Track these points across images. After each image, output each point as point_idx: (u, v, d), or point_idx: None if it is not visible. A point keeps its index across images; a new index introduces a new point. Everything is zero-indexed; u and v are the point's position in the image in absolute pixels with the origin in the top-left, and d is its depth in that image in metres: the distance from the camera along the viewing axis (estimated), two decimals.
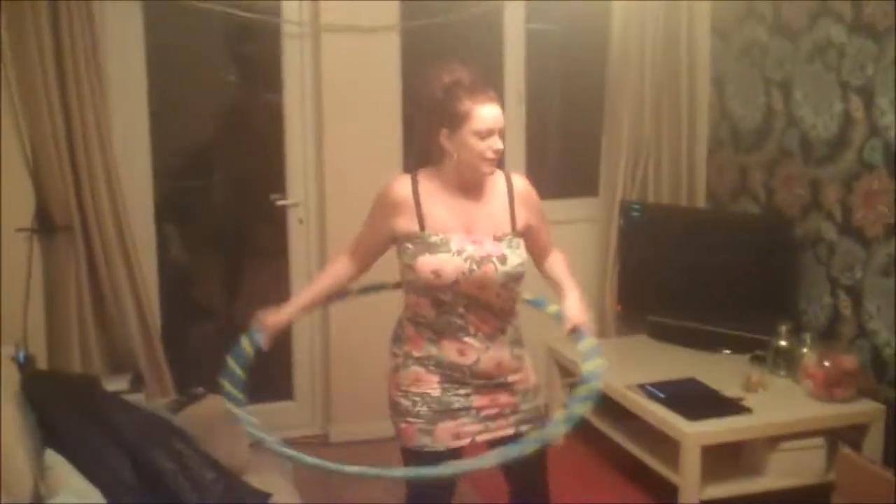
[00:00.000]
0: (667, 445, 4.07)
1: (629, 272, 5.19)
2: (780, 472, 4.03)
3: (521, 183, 3.23)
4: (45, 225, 4.33)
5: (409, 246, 3.00)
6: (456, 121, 2.94)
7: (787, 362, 4.41)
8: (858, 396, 4.15)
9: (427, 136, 3.04)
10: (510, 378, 3.11)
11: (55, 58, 4.18)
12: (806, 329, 4.56)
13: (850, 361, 4.14)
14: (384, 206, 3.07)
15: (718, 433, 3.98)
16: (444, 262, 2.94)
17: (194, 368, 5.00)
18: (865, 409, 4.12)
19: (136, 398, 4.19)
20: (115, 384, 4.28)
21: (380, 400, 3.26)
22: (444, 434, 3.03)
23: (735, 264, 4.86)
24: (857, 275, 4.34)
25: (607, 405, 4.56)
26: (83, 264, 4.39)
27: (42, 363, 4.24)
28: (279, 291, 5.05)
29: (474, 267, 2.95)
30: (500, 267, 2.98)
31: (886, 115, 4.12)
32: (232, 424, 3.35)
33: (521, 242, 3.10)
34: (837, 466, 3.88)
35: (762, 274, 4.74)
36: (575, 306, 3.06)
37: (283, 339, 5.04)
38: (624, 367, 4.67)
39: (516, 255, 3.04)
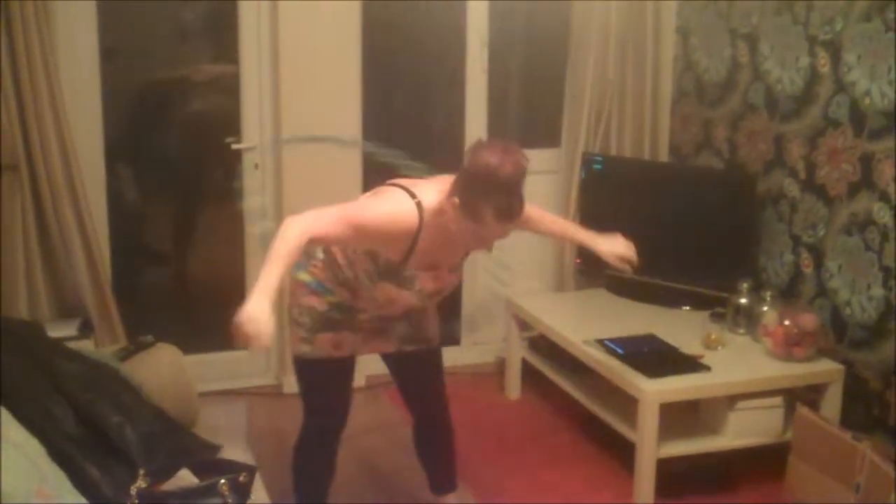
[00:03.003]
0: (624, 401, 4.04)
1: (589, 225, 5.09)
2: (738, 431, 4.01)
3: None
4: None
5: (378, 265, 3.04)
6: (477, 211, 2.85)
7: (747, 320, 4.38)
8: (817, 356, 4.13)
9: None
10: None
11: None
12: (766, 287, 4.53)
13: (809, 320, 4.11)
14: (385, 233, 2.97)
15: (677, 391, 3.94)
16: (401, 296, 3.10)
17: (145, 315, 4.93)
18: (824, 368, 4.10)
19: (85, 345, 4.11)
20: (63, 330, 4.20)
21: None
22: (324, 342, 3.20)
23: (696, 220, 4.82)
24: (819, 233, 4.31)
25: (564, 359, 4.53)
26: (29, 205, 4.28)
27: None
28: (233, 237, 4.97)
29: (425, 299, 3.18)
30: (444, 293, 3.22)
31: (853, 70, 4.07)
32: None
33: None
34: (795, 426, 3.89)
35: (724, 230, 4.70)
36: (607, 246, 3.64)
37: (236, 289, 5.00)
38: (582, 322, 4.64)
39: (460, 277, 3.29)
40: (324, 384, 3.32)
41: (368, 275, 3.07)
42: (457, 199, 2.86)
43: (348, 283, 3.16)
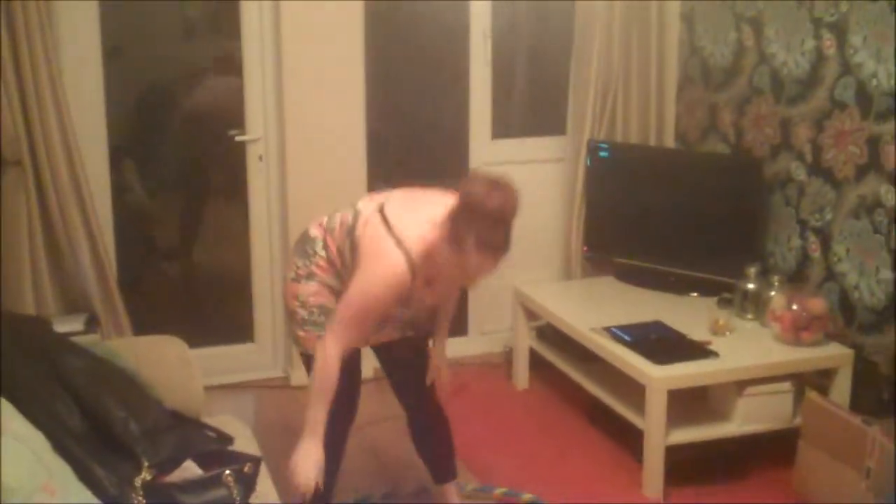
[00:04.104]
0: (632, 389, 4.02)
1: (596, 213, 5.12)
2: (747, 417, 3.99)
3: None
4: None
5: None
6: (461, 241, 2.89)
7: (755, 305, 4.36)
8: (826, 340, 4.11)
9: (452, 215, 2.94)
10: None
11: None
12: (774, 271, 4.51)
13: (818, 305, 4.09)
14: (388, 301, 3.02)
15: (685, 377, 3.93)
16: (384, 333, 3.27)
17: (151, 309, 4.93)
18: (833, 353, 4.08)
19: (91, 339, 4.10)
20: (70, 325, 4.19)
21: None
22: None
23: (703, 205, 4.79)
24: (826, 216, 4.28)
25: (572, 347, 4.52)
26: (34, 201, 4.27)
27: None
28: (238, 229, 4.96)
29: (406, 329, 3.33)
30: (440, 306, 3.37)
31: (859, 52, 4.04)
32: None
33: None
34: (804, 411, 3.88)
35: (731, 215, 4.67)
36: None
37: (243, 281, 5.00)
38: (589, 310, 4.62)
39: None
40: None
41: None
42: (445, 231, 2.89)
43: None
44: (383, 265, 2.96)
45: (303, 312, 3.22)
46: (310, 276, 3.20)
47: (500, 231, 2.87)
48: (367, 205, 3.12)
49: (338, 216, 3.20)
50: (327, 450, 3.15)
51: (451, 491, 3.65)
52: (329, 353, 2.97)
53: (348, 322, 2.99)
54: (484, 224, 2.83)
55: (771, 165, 4.60)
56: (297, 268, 3.23)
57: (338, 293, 3.14)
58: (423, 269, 2.98)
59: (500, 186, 2.89)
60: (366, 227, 3.04)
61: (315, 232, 3.24)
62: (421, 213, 3.01)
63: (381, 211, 3.04)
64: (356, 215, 3.11)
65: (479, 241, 2.84)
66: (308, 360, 3.22)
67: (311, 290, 3.20)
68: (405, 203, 3.10)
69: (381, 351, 3.46)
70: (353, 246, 3.07)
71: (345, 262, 3.13)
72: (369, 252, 3.01)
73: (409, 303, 3.14)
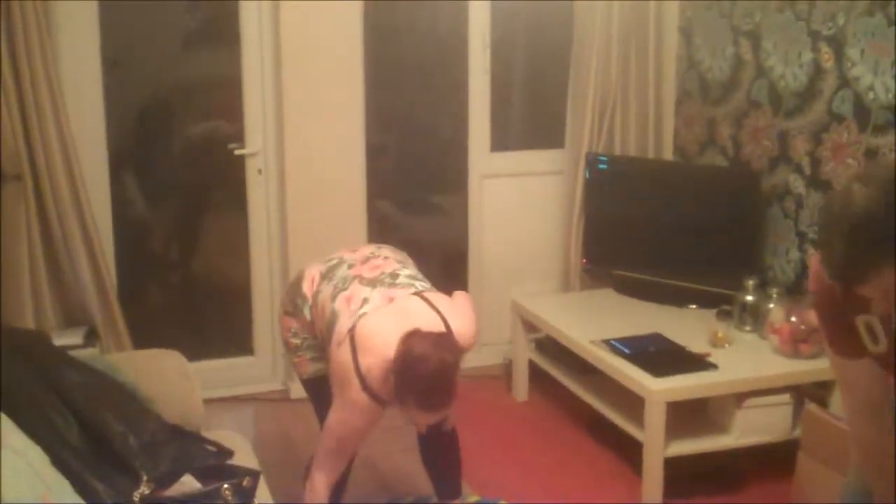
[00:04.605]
0: (631, 401, 4.02)
1: (595, 225, 5.13)
2: (746, 429, 3.99)
3: None
4: None
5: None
6: (401, 396, 2.90)
7: (754, 317, 4.36)
8: (825, 353, 4.10)
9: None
10: None
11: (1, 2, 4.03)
12: (772, 284, 4.52)
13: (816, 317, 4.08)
14: (364, 424, 3.07)
15: (684, 389, 3.92)
16: None
17: (151, 322, 4.94)
18: None
19: (90, 353, 4.11)
20: (69, 338, 4.22)
21: None
22: None
23: (702, 218, 4.80)
24: None
25: (571, 360, 4.52)
26: (34, 215, 4.28)
27: None
28: (238, 242, 4.96)
29: None
30: None
31: (857, 65, 4.05)
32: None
33: None
34: (804, 423, 3.87)
35: (729, 228, 4.68)
36: None
37: (243, 293, 5.00)
38: (588, 322, 4.61)
39: None
40: None
41: None
42: (391, 380, 2.89)
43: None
44: (352, 400, 2.97)
45: (296, 341, 3.31)
46: (300, 307, 3.27)
47: (438, 392, 2.88)
48: (344, 313, 3.06)
49: (323, 293, 3.18)
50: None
51: None
52: (317, 489, 3.09)
53: (331, 454, 3.12)
54: (421, 386, 2.85)
55: (769, 178, 4.61)
56: (290, 305, 3.33)
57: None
58: (382, 396, 2.97)
59: (440, 346, 2.87)
60: (338, 350, 3.00)
61: (306, 290, 3.26)
62: (392, 341, 2.92)
63: (352, 336, 2.98)
64: (333, 317, 3.08)
65: (418, 402, 2.87)
66: (308, 385, 3.36)
67: (301, 322, 3.28)
68: (382, 322, 3.00)
69: None
70: (330, 348, 3.08)
71: (324, 338, 3.16)
72: (339, 381, 3.02)
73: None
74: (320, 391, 3.25)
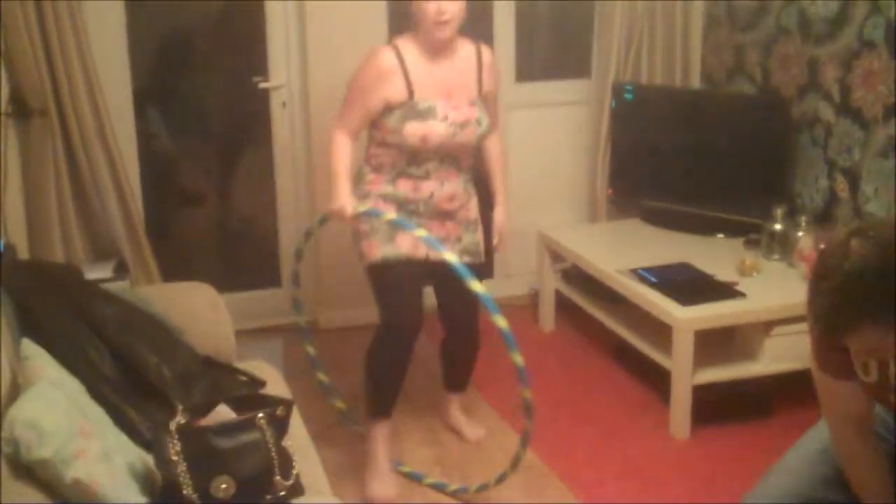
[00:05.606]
0: (659, 330, 4.03)
1: (621, 155, 5.10)
2: (774, 357, 3.99)
3: (487, 54, 3.58)
4: (19, 109, 4.19)
5: (397, 112, 3.36)
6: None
7: (782, 246, 4.35)
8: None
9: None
10: (457, 205, 3.55)
11: None
12: (801, 212, 4.49)
13: None
14: (374, 78, 3.38)
15: (711, 318, 3.93)
16: (432, 128, 3.35)
17: (179, 255, 4.96)
18: None
19: (120, 286, 4.14)
20: (99, 272, 4.24)
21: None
22: (404, 242, 3.45)
23: (730, 146, 4.76)
24: (854, 156, 4.25)
25: (598, 289, 4.52)
26: (60, 150, 4.29)
27: (23, 253, 4.16)
28: (264, 175, 4.97)
29: (457, 131, 3.39)
30: (477, 129, 3.45)
31: None
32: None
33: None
34: None
35: (757, 156, 4.64)
36: (502, 218, 3.74)
37: (269, 226, 5.02)
38: (615, 252, 4.62)
39: (485, 116, 3.50)
40: (402, 284, 3.51)
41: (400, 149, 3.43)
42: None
43: (397, 170, 3.46)
44: (368, 55, 3.42)
45: (364, 227, 3.49)
46: (365, 195, 3.49)
47: None
48: None
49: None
50: (397, 357, 3.54)
51: (454, 398, 4.02)
52: (335, 138, 3.45)
53: (344, 110, 3.46)
54: None
55: (798, 105, 4.56)
56: (355, 189, 3.50)
57: (398, 205, 3.47)
58: (414, 53, 3.39)
59: None
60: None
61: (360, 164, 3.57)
62: None
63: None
64: None
65: None
66: (373, 272, 3.53)
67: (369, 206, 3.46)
68: None
69: (437, 279, 3.61)
70: None
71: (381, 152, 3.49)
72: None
73: (411, 89, 3.38)
74: (385, 277, 3.49)
